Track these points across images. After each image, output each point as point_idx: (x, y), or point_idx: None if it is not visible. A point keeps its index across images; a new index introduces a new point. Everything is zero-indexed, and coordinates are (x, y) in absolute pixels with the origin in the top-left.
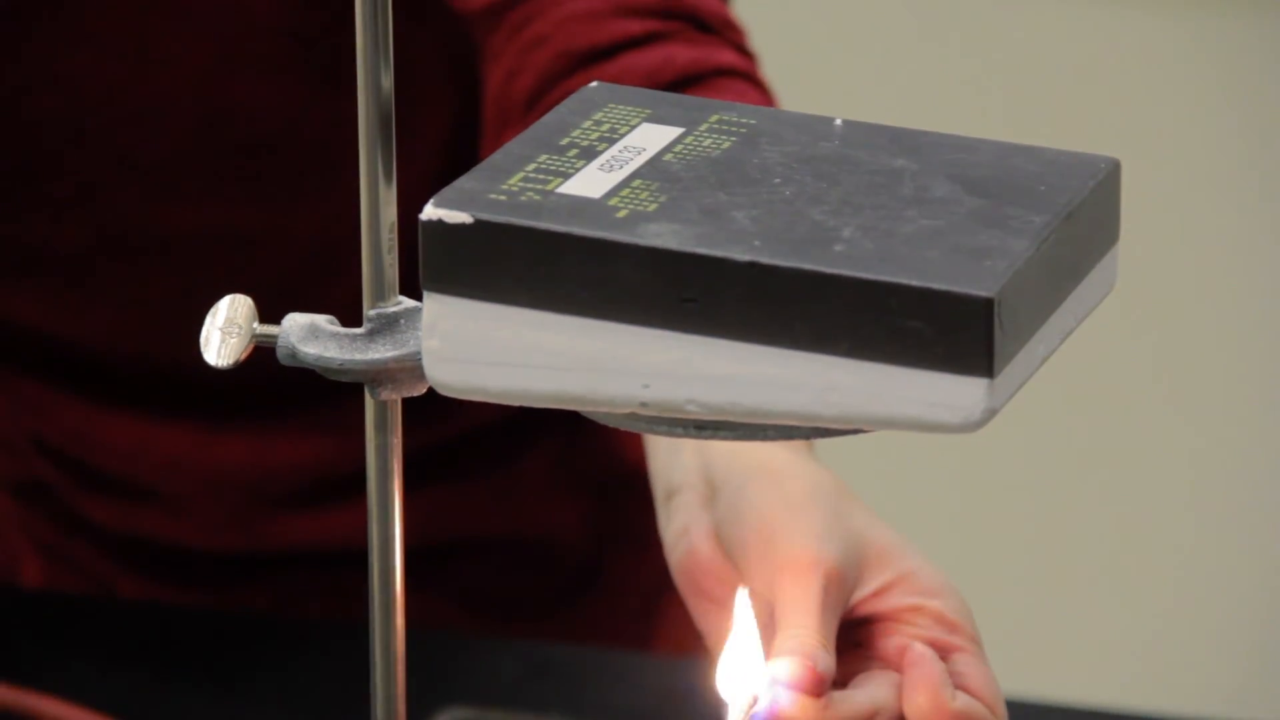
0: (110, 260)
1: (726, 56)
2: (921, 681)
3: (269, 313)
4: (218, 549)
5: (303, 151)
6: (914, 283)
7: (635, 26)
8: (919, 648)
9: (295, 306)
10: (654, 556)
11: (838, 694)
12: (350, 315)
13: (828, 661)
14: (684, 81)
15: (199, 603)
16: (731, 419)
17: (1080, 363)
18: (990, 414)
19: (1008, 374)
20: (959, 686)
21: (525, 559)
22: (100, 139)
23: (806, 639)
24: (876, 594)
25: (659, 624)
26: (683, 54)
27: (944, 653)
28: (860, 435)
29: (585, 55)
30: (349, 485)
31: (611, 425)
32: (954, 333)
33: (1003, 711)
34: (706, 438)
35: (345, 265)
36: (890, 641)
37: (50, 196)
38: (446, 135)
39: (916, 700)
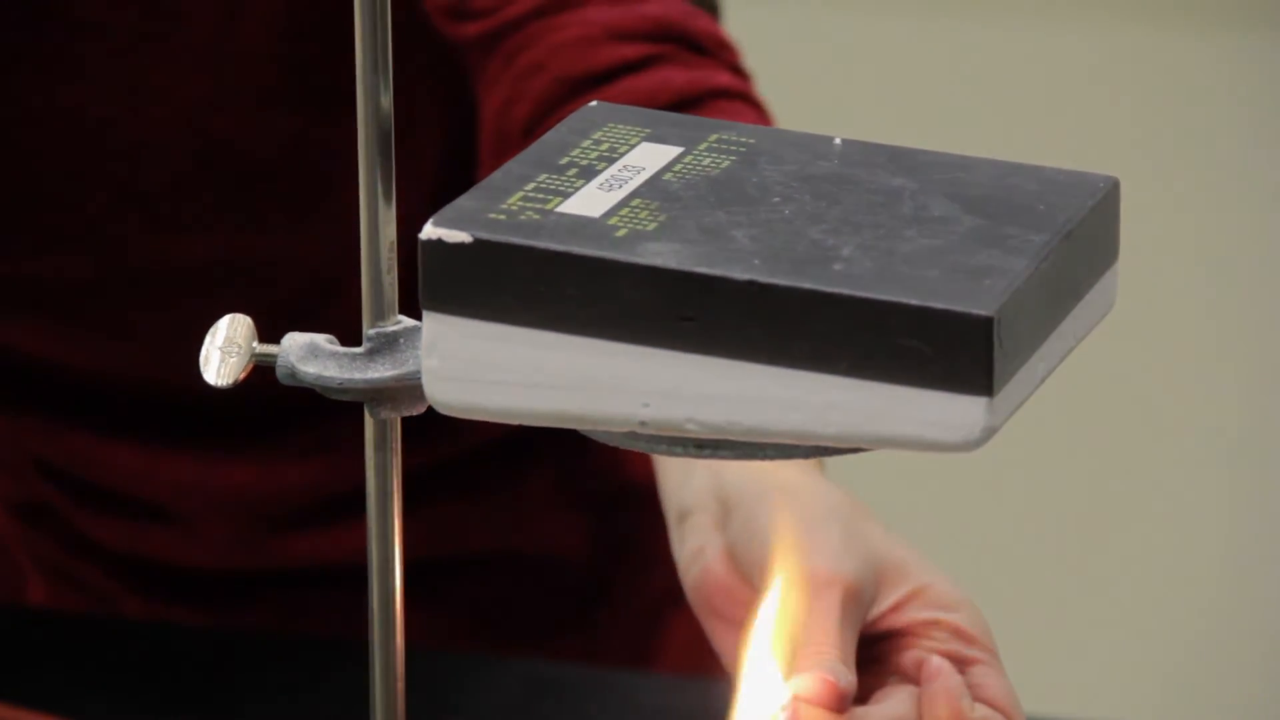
0: (110, 292)
1: (722, 78)
2: (940, 694)
3: (269, 337)
4: (222, 568)
5: (299, 179)
6: (913, 302)
7: (630, 51)
8: (936, 660)
9: (299, 328)
10: (657, 574)
11: (859, 710)
12: (349, 338)
13: (848, 677)
14: (681, 104)
15: (203, 622)
16: (731, 438)
17: (1080, 381)
18: (990, 433)
19: (1007, 393)
20: (977, 698)
21: (528, 576)
22: (98, 172)
23: (826, 655)
24: (894, 609)
25: (662, 641)
26: (679, 77)
27: (962, 665)
28: (862, 455)
29: (581, 81)
30: (352, 503)
31: (611, 444)
32: (953, 351)
33: None
34: (706, 457)
35: (343, 291)
36: (908, 656)
37: (49, 230)
38: (441, 156)
39: (936, 712)
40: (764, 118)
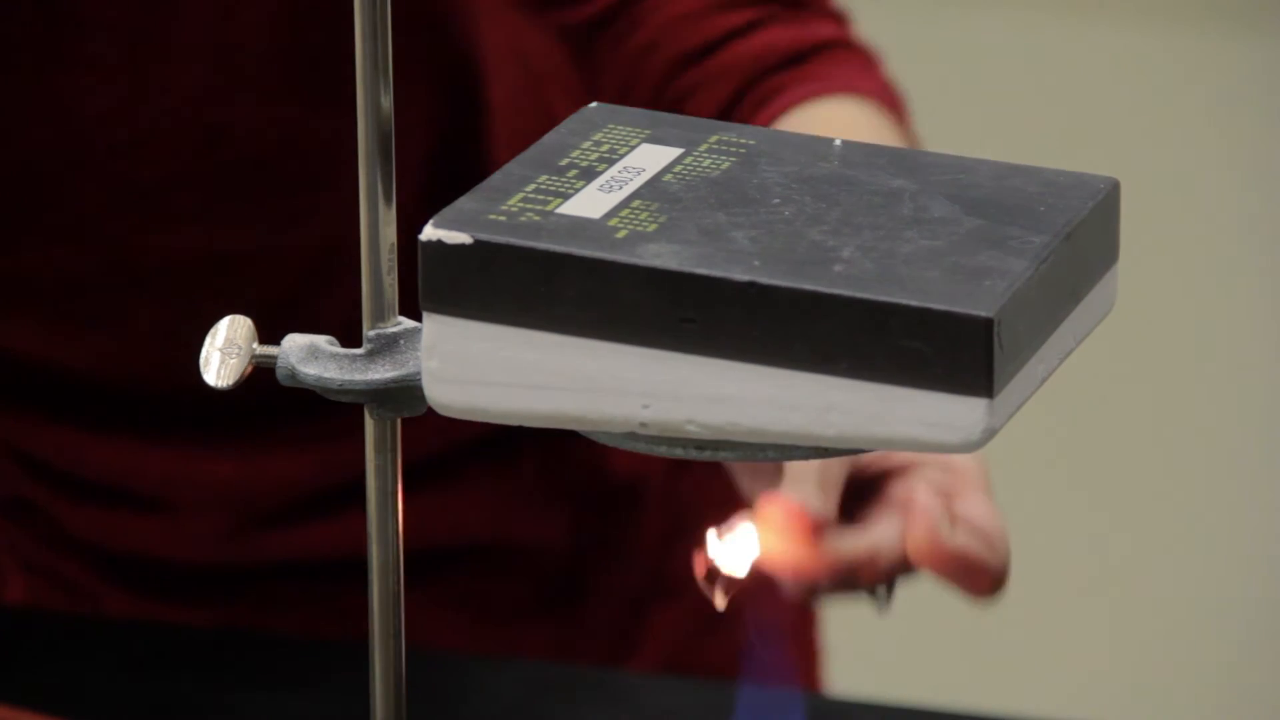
0: (105, 285)
1: (825, 29)
2: (920, 519)
3: (264, 328)
4: (207, 563)
5: (299, 169)
6: (913, 303)
7: (735, 19)
8: (922, 488)
9: (291, 323)
10: (638, 566)
11: (838, 531)
12: (344, 328)
13: (821, 504)
14: (789, 62)
15: (187, 618)
16: (731, 439)
17: (1079, 382)
18: (990, 434)
19: (1007, 394)
20: (962, 523)
21: (510, 567)
22: (97, 166)
23: (803, 482)
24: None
25: (643, 633)
26: (784, 36)
27: (950, 497)
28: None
29: (693, 54)
30: (339, 498)
31: (611, 445)
32: (953, 353)
33: (1005, 549)
34: (706, 458)
35: (340, 281)
36: (898, 488)
37: (46, 225)
38: (434, 147)
39: (915, 536)
40: (870, 61)
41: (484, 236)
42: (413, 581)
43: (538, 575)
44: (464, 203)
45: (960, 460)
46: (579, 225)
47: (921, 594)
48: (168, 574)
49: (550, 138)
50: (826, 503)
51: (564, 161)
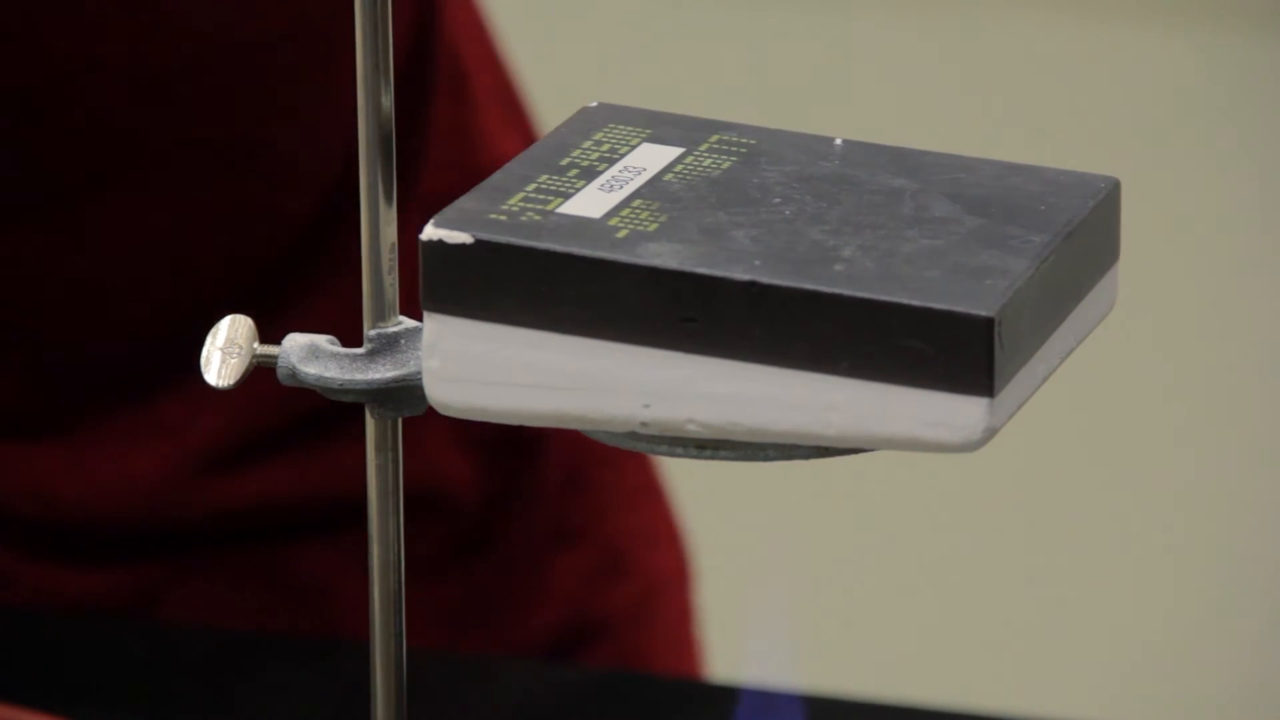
0: (103, 196)
1: None
2: None
3: (265, 228)
4: (131, 526)
5: (309, 49)
6: (914, 302)
7: None
8: None
9: (286, 224)
10: (545, 517)
11: None
12: (338, 248)
13: None
14: None
15: (116, 599)
16: (732, 438)
17: (1080, 382)
18: (990, 433)
19: (1008, 393)
20: None
21: (418, 516)
22: (111, 55)
23: None
24: None
25: (546, 584)
26: None
27: None
28: (863, 454)
29: None
30: (271, 445)
31: (610, 444)
32: (954, 352)
33: None
34: (707, 458)
35: (336, 171)
36: None
37: (50, 131)
38: (409, 47)
39: None
40: None
41: (485, 236)
42: (325, 533)
43: (445, 524)
44: (465, 202)
45: None
46: (580, 225)
47: (922, 593)
48: (93, 540)
49: (551, 137)
50: None
51: (565, 161)
